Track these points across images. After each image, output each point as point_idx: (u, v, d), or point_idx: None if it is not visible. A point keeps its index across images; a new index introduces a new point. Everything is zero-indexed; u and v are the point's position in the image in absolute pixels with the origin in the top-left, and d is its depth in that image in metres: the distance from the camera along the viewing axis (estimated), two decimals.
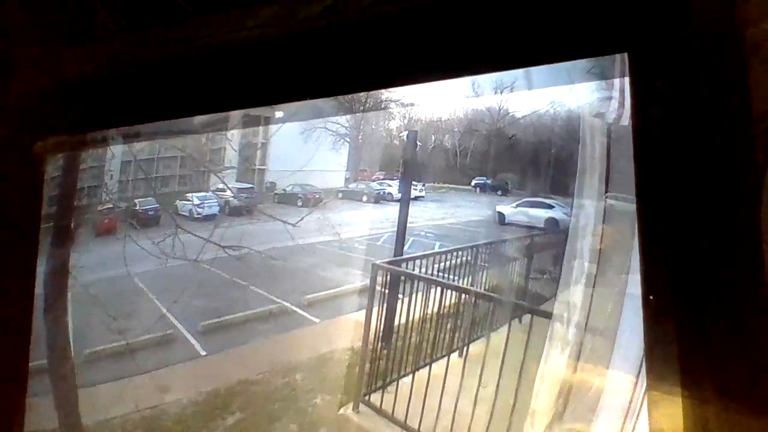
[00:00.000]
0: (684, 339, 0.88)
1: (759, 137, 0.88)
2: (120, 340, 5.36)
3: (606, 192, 2.59)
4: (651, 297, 0.90)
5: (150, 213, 7.14)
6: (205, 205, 7.95)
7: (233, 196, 8.09)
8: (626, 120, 2.00)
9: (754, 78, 0.89)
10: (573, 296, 2.64)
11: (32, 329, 1.58)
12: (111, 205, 6.99)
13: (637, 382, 2.01)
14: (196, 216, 7.78)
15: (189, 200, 8.04)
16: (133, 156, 6.68)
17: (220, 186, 8.23)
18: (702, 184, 0.89)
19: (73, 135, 1.68)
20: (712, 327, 0.86)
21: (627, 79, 0.98)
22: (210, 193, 8.15)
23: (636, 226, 0.94)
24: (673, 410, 0.88)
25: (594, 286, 2.56)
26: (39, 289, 2.24)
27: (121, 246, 5.22)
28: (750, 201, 0.86)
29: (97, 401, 4.66)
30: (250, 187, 9.16)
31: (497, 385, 3.19)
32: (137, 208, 7.14)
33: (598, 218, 2.65)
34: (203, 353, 5.92)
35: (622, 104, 2.14)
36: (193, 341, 6.05)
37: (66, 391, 3.48)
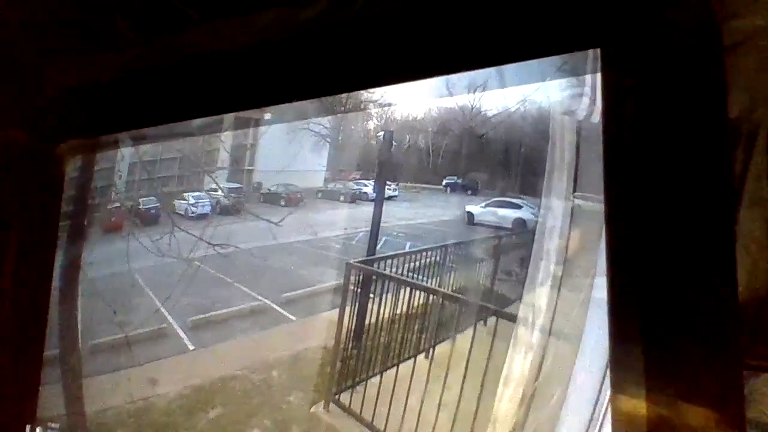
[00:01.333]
0: (650, 344, 0.85)
1: (741, 135, 0.85)
2: (119, 333, 5.35)
3: (574, 192, 2.48)
4: (617, 301, 0.88)
5: (151, 211, 7.19)
6: (199, 204, 7.91)
7: (224, 196, 8.13)
8: (597, 117, 1.91)
9: (742, 74, 0.85)
10: (538, 299, 2.56)
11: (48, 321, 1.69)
12: (118, 204, 6.98)
13: (600, 390, 1.90)
14: (190, 215, 7.75)
15: (185, 200, 8.00)
16: (139, 157, 6.61)
17: (213, 186, 8.23)
18: (673, 185, 0.83)
19: (92, 138, 1.78)
20: (679, 332, 0.83)
21: (599, 75, 0.96)
22: (203, 193, 8.12)
23: (603, 227, 0.92)
24: (637, 419, 0.85)
25: (559, 289, 2.48)
26: (55, 282, 2.28)
27: (125, 243, 5.28)
28: (722, 202, 0.81)
29: (96, 391, 4.64)
30: (239, 187, 9.19)
31: (461, 389, 3.13)
32: (140, 207, 7.18)
33: (566, 219, 2.56)
34: (191, 348, 5.93)
35: (593, 101, 2.09)
36: (183, 336, 6.06)
37: (73, 380, 3.49)
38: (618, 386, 0.88)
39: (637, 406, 0.84)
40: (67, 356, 3.46)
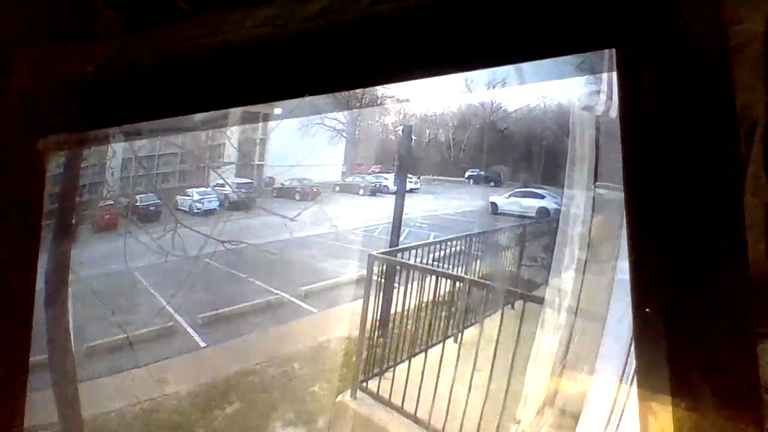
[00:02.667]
0: (671, 319, 0.90)
1: (742, 130, 0.92)
2: (120, 333, 5.28)
3: (595, 182, 2.62)
4: (639, 287, 0.93)
5: (150, 208, 7.05)
6: (205, 200, 7.86)
7: (232, 191, 8.08)
8: (614, 112, 2.03)
9: (740, 75, 0.91)
10: (564, 282, 2.68)
11: (33, 324, 1.57)
12: (112, 202, 6.91)
13: (625, 368, 2.04)
14: (195, 211, 7.70)
15: (189, 195, 7.94)
16: (134, 153, 6.61)
17: (219, 181, 8.20)
18: (687, 174, 0.90)
19: (75, 133, 1.66)
20: (698, 306, 0.88)
21: (615, 74, 1.00)
22: (209, 189, 8.07)
23: (624, 213, 0.95)
24: (661, 389, 0.89)
25: (584, 272, 2.59)
26: (40, 284, 2.25)
27: (122, 241, 5.20)
28: (733, 190, 0.89)
29: (96, 394, 4.67)
30: (248, 182, 9.08)
31: (491, 370, 3.22)
32: (138, 204, 7.01)
33: (588, 207, 2.67)
34: (203, 345, 5.91)
35: (610, 97, 2.16)
36: (193, 333, 6.02)
37: (66, 385, 3.48)
38: (642, 359, 0.92)
39: (661, 377, 0.89)
40: (58, 360, 3.42)
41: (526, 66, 1.23)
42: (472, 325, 4.33)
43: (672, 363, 0.90)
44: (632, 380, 1.89)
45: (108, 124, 1.62)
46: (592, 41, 1.04)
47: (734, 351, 0.89)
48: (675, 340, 0.89)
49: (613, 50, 1.02)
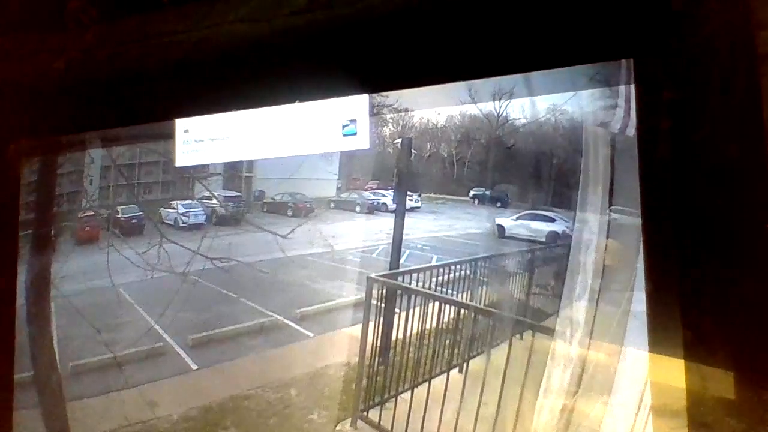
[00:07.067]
0: (690, 353, 0.91)
1: None
2: (106, 353, 5.18)
3: (610, 205, 2.61)
4: (656, 314, 0.95)
5: (133, 221, 6.79)
6: (191, 213, 7.36)
7: (220, 205, 7.62)
8: (632, 130, 2.03)
9: (765, 87, 0.90)
10: (576, 312, 2.67)
11: (15, 340, 1.61)
12: (92, 213, 6.54)
13: (641, 401, 2.01)
14: (181, 225, 7.22)
15: (173, 208, 7.38)
16: (113, 161, 6.28)
17: (206, 194, 7.59)
18: (709, 199, 0.90)
19: (48, 138, 1.70)
20: (720, 341, 0.89)
21: (633, 87, 1.02)
22: (195, 201, 7.54)
23: (641, 240, 0.97)
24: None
25: (597, 302, 2.59)
26: (21, 299, 2.31)
27: (104, 255, 5.18)
28: (761, 216, 0.87)
29: (85, 415, 4.59)
30: (237, 196, 8.52)
31: (498, 403, 3.22)
32: (119, 215, 6.73)
33: (602, 232, 2.66)
34: (195, 367, 5.76)
35: (627, 113, 2.16)
36: (183, 355, 5.86)
37: (53, 404, 3.46)
38: (658, 396, 0.95)
39: (678, 408, 0.92)
40: (43, 378, 3.40)
41: (535, 76, 1.20)
42: (478, 354, 4.26)
43: (690, 397, 0.92)
44: (647, 417, 1.90)
45: (81, 129, 1.64)
46: (606, 50, 1.05)
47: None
48: (693, 377, 0.91)
49: (631, 61, 1.03)
